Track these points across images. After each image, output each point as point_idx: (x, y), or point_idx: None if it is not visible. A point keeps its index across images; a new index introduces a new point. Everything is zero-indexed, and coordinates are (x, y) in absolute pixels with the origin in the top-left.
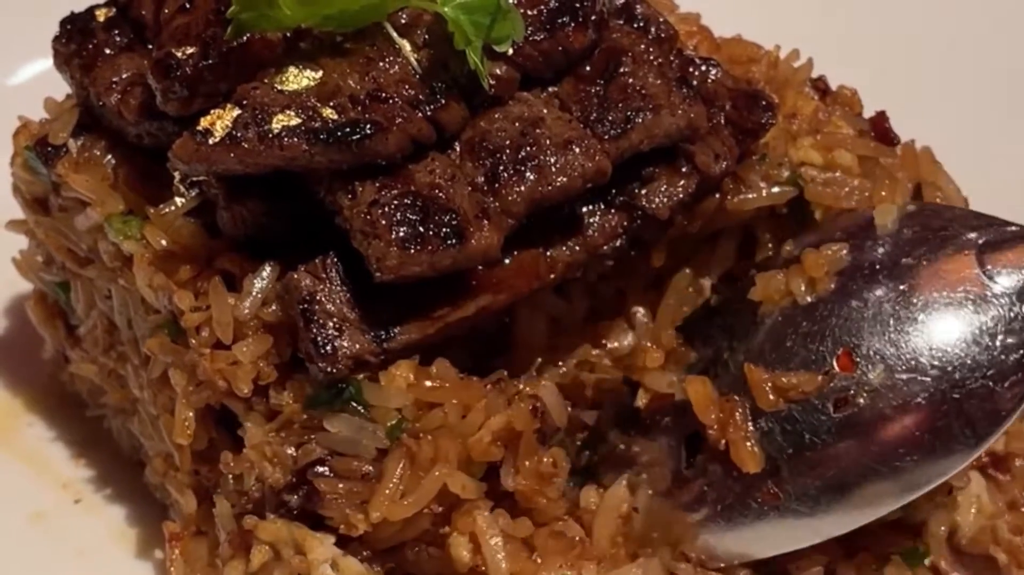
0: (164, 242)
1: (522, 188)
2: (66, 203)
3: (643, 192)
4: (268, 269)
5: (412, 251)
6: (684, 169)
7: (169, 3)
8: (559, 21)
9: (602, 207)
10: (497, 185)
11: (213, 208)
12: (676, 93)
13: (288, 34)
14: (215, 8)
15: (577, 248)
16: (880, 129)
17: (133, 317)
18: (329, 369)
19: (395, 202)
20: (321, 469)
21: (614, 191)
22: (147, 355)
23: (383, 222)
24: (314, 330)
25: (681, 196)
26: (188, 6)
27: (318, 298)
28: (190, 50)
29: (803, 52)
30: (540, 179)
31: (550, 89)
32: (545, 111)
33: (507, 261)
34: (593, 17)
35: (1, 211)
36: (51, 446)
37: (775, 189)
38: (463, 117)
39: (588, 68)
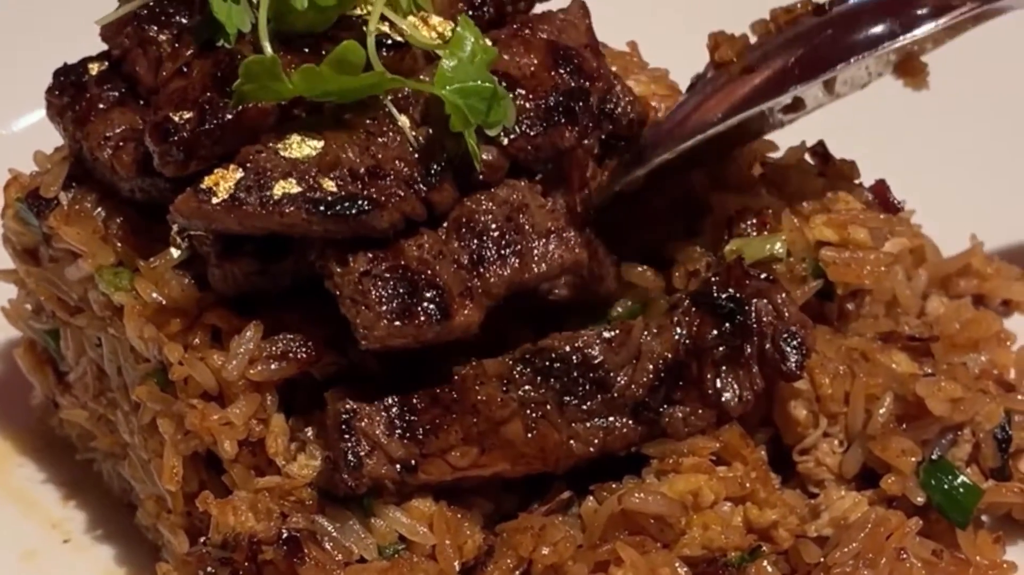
0: (155, 294)
1: (504, 272)
2: (57, 254)
3: (666, 416)
4: (251, 330)
5: (399, 324)
6: (705, 399)
7: (166, 63)
8: (555, 118)
9: (627, 418)
10: (481, 268)
11: (203, 262)
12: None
13: (284, 102)
14: (212, 72)
15: (592, 449)
16: (882, 198)
17: (123, 364)
18: (350, 483)
19: (386, 274)
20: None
21: (645, 404)
22: (137, 401)
23: (373, 293)
24: (347, 443)
25: (700, 426)
26: (185, 69)
27: (358, 416)
28: (187, 115)
29: None
30: (522, 266)
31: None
32: (530, 199)
33: (531, 435)
34: (587, 120)
35: None
36: (41, 487)
37: (804, 288)
38: (454, 198)
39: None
